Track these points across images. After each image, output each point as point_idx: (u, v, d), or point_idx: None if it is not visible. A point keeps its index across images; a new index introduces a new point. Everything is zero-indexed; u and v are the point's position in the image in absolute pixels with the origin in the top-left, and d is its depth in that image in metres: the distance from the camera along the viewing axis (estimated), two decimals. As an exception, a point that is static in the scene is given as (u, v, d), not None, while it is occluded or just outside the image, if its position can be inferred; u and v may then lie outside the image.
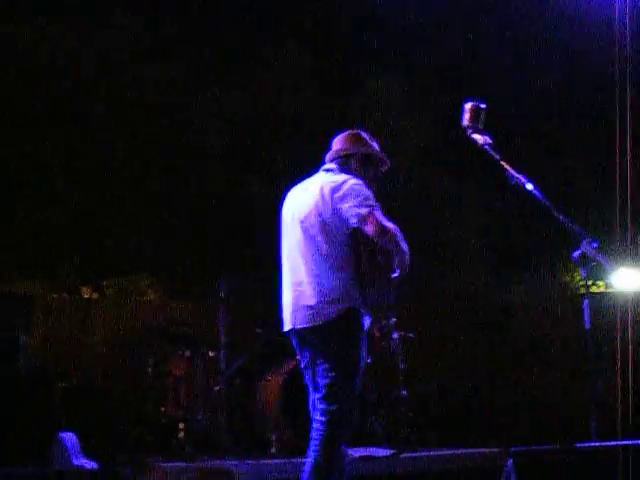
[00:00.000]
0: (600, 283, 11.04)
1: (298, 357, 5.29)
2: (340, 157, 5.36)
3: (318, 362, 5.10)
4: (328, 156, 5.43)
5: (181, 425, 7.60)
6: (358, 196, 5.06)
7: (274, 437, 7.44)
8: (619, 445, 4.60)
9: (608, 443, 4.69)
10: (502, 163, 5.17)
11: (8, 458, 6.49)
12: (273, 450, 7.40)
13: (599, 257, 5.12)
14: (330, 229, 5.08)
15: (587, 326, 5.19)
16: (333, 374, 5.02)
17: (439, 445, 7.85)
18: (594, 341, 5.52)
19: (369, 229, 4.95)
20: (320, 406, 5.08)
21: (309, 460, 5.04)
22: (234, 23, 11.26)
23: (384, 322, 7.89)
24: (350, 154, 5.37)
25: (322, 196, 5.11)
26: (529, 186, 5.13)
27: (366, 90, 11.87)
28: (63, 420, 7.14)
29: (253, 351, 7.97)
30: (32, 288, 10.21)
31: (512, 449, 4.42)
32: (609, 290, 10.44)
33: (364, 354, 5.09)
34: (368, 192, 5.13)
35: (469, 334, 10.20)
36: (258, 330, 8.02)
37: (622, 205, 7.08)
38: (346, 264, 5.06)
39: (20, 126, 9.93)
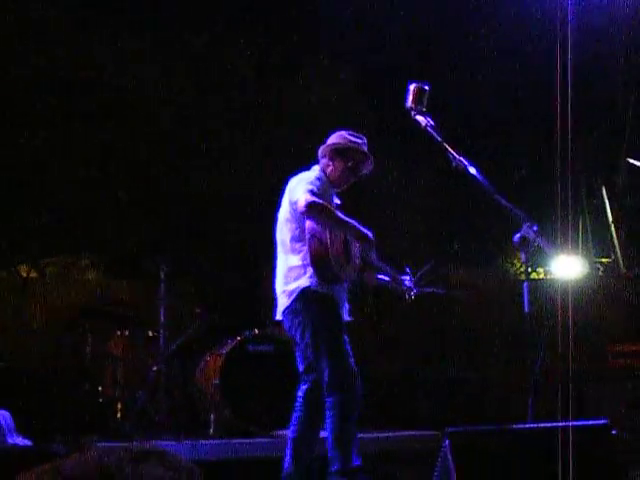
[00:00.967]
0: (540, 270, 11.14)
1: None
2: (320, 153, 5.67)
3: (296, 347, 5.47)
4: None
5: (119, 405, 7.55)
6: (302, 185, 5.33)
7: (212, 418, 7.42)
8: (555, 427, 4.64)
9: (544, 424, 4.74)
10: (444, 145, 5.19)
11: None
12: (211, 431, 7.38)
13: (539, 240, 5.16)
14: (288, 220, 5.43)
15: (526, 309, 5.23)
16: (309, 353, 5.36)
17: (377, 427, 7.88)
18: (533, 326, 5.57)
19: (300, 206, 5.21)
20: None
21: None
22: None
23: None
24: (325, 148, 5.66)
25: (286, 191, 5.48)
26: (472, 170, 5.16)
27: (307, 75, 11.81)
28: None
29: (193, 331, 7.93)
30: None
31: (448, 430, 4.43)
32: (549, 277, 10.55)
33: (331, 322, 5.36)
34: (315, 180, 5.39)
35: (407, 317, 10.22)
36: (198, 310, 7.99)
37: (562, 195, 7.15)
38: (299, 249, 5.36)
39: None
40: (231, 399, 7.32)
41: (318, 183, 5.37)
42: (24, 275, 10.11)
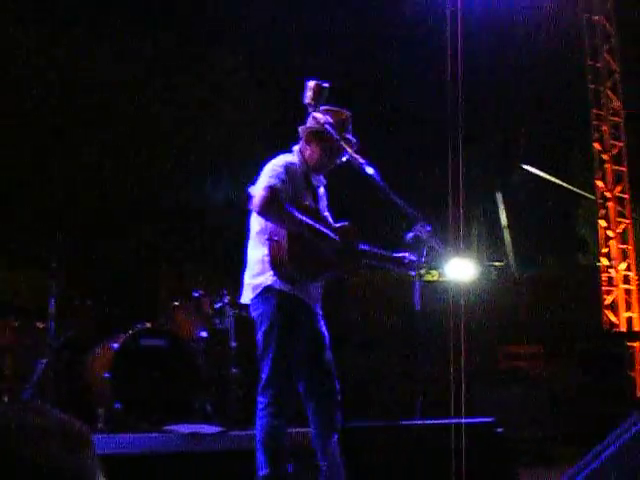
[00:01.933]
0: (434, 272, 11.26)
1: None
2: (299, 133, 5.46)
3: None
4: None
5: (5, 398, 7.40)
6: (265, 178, 5.16)
7: (102, 412, 7.32)
8: (444, 423, 4.70)
9: (433, 421, 4.80)
10: (341, 142, 5.22)
11: None
12: (100, 425, 7.28)
13: (432, 240, 5.22)
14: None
15: (417, 308, 5.29)
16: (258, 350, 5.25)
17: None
18: (425, 326, 5.64)
19: (255, 206, 5.07)
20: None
21: None
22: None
23: (218, 299, 7.86)
24: (303, 129, 5.44)
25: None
26: (369, 169, 5.19)
27: (208, 67, 11.77)
28: None
29: (83, 323, 7.82)
30: None
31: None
32: (442, 279, 10.67)
33: (286, 324, 5.20)
34: (280, 168, 5.19)
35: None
36: (89, 302, 7.89)
37: (456, 198, 7.26)
38: (262, 243, 5.19)
39: None
40: (121, 393, 7.23)
41: (283, 173, 5.15)
42: None
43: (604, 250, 12.04)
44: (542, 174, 14.45)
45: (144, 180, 9.63)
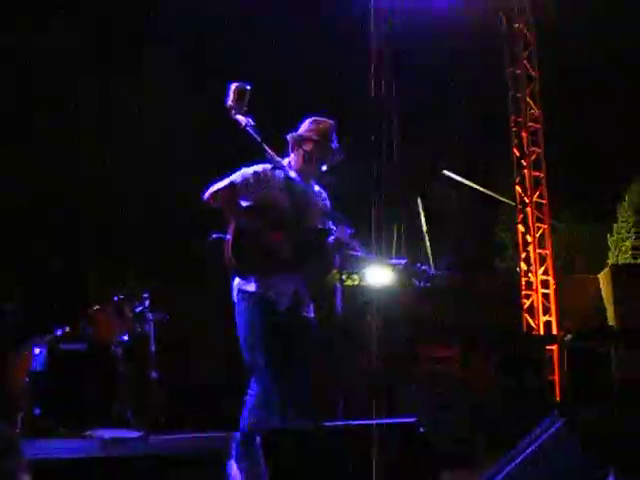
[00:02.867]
0: (355, 277, 11.31)
1: None
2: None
3: None
4: None
5: None
6: (231, 176, 5.39)
7: (20, 417, 7.21)
8: (366, 424, 4.73)
9: (355, 422, 4.82)
10: (263, 145, 5.26)
11: None
12: (18, 430, 7.17)
13: (352, 244, 5.27)
14: None
15: (338, 311, 5.32)
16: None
17: (193, 428, 7.80)
18: (344, 327, 5.66)
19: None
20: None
21: None
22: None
23: (138, 303, 7.80)
24: (290, 137, 5.61)
25: None
26: (292, 173, 5.25)
27: (142, 70, 11.70)
28: None
29: (2, 327, 7.71)
30: None
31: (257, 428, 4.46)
32: (362, 284, 10.72)
33: (259, 326, 5.31)
34: (249, 171, 5.38)
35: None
36: (9, 305, 7.79)
37: (376, 203, 7.31)
38: None
39: None
40: (41, 398, 7.13)
41: (250, 175, 5.38)
42: None
43: (523, 255, 12.20)
44: (462, 180, 14.60)
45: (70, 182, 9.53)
